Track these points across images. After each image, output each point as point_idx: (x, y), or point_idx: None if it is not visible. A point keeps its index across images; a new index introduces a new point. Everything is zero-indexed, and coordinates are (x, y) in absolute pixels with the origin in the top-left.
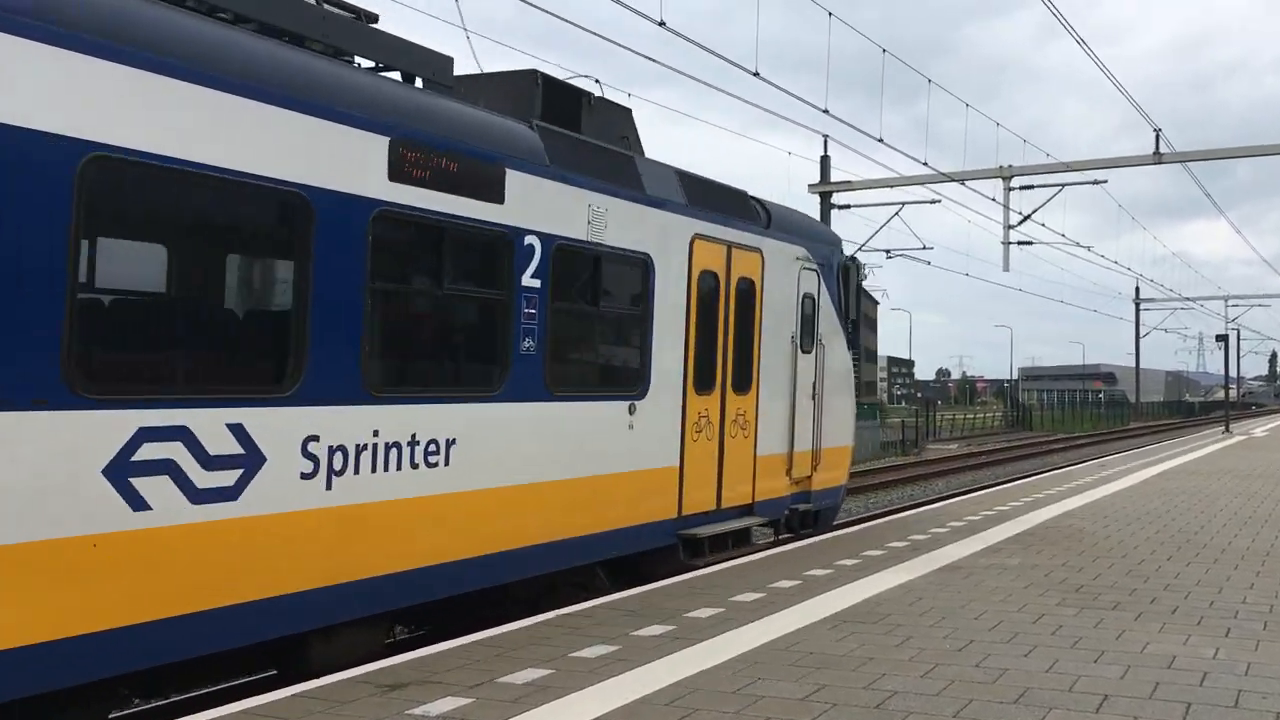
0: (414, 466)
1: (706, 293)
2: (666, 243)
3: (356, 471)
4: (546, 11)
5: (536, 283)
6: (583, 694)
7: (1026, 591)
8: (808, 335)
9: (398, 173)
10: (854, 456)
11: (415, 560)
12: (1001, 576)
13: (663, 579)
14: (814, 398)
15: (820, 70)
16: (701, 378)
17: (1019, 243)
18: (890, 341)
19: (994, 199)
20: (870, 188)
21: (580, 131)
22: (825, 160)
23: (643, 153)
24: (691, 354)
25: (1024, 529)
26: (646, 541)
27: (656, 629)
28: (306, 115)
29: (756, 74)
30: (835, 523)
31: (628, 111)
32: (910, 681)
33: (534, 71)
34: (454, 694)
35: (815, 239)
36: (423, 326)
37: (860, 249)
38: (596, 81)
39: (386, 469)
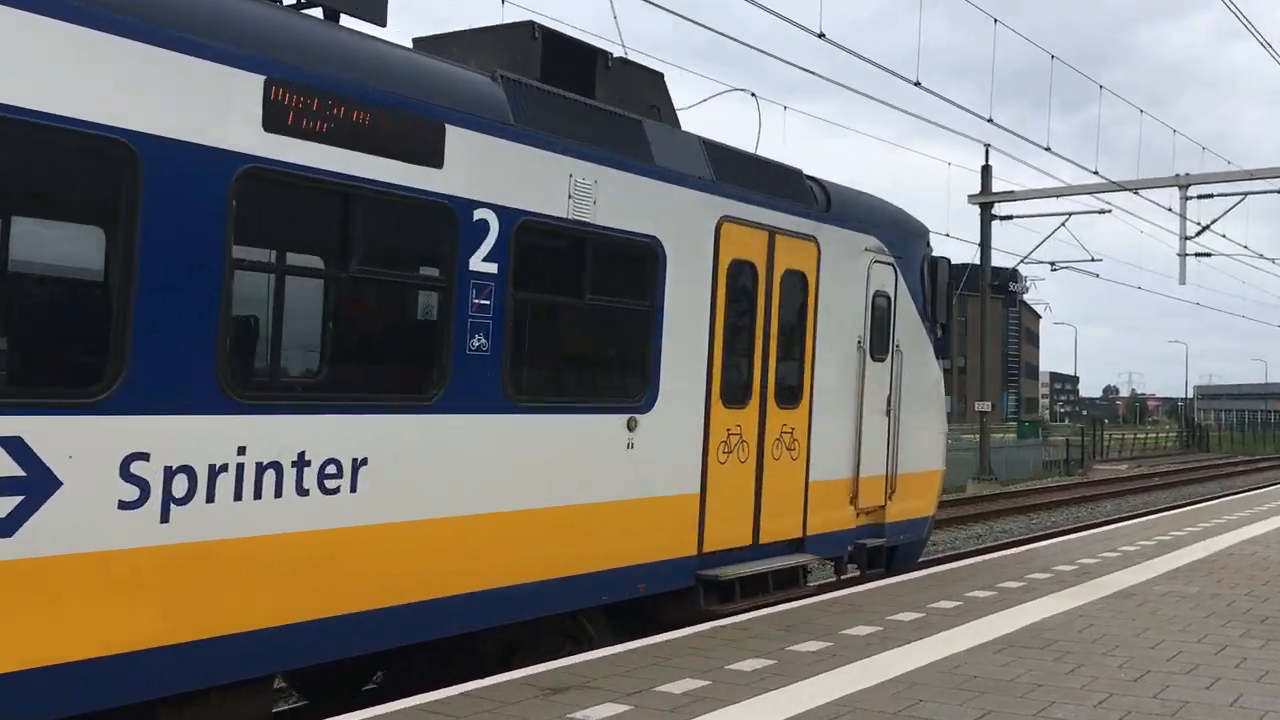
0: (301, 493)
1: (739, 287)
2: (683, 225)
3: (210, 500)
4: (704, 26)
5: (491, 267)
6: (740, 706)
7: (1207, 621)
8: (880, 340)
9: (277, 122)
10: (961, 480)
11: (300, 610)
12: (1180, 605)
13: (683, 626)
14: (888, 413)
15: (982, 78)
16: (731, 388)
17: (1196, 254)
18: (1053, 357)
19: (1169, 209)
20: (1034, 198)
21: (594, 96)
22: (987, 170)
23: (678, 125)
24: (718, 360)
25: (1203, 556)
26: (654, 583)
27: (813, 645)
28: (127, 39)
29: (918, 83)
30: (969, 549)
31: (658, 77)
32: (1082, 711)
33: (531, 24)
34: (613, 700)
35: (892, 228)
36: (316, 317)
37: (1023, 261)
38: (752, 95)
39: (258, 496)
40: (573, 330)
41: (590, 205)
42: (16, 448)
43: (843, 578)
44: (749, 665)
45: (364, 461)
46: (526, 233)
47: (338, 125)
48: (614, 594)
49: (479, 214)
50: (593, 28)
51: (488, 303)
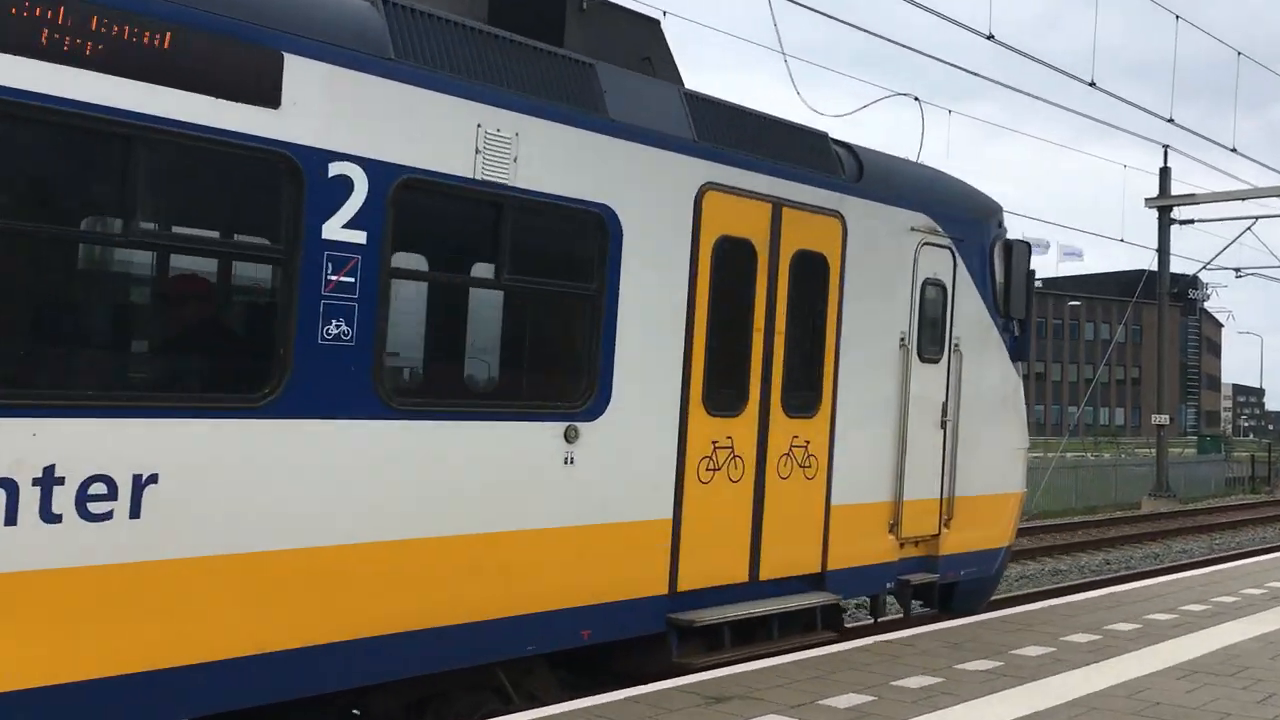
0: (50, 520)
1: (730, 269)
2: (648, 193)
3: None
4: (862, 29)
5: (356, 235)
6: None
7: None
8: (932, 338)
9: (8, 39)
10: (1136, 497)
11: (53, 670)
12: None
13: (651, 680)
14: (943, 424)
15: (1161, 76)
16: (719, 392)
17: None
18: (1237, 368)
19: None
20: (1217, 200)
21: (563, 44)
22: (1165, 172)
23: (680, 83)
24: (698, 358)
25: None
26: (606, 629)
27: (982, 663)
28: None
29: (1092, 84)
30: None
31: (654, 25)
32: None
33: None
34: (776, 711)
35: (949, 204)
36: (77, 291)
37: (1205, 267)
38: (915, 99)
39: None
40: (482, 318)
41: (508, 164)
42: None
43: (881, 619)
44: (914, 682)
45: (151, 480)
46: (411, 194)
47: (113, 47)
48: (546, 643)
49: (338, 168)
50: (751, 34)
51: (352, 280)
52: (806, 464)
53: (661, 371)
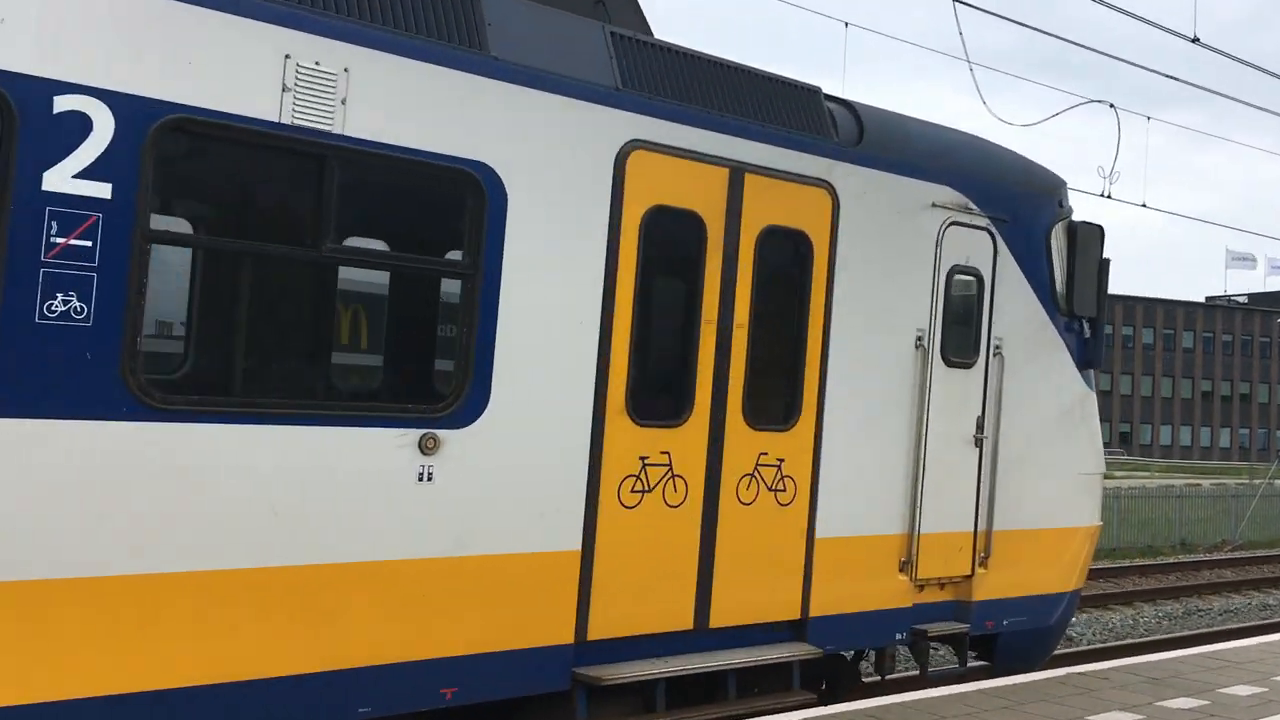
0: None
1: (666, 247)
2: (545, 150)
3: None
4: (1055, 36)
5: (95, 188)
6: None
7: None
8: (960, 336)
9: None
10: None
11: None
12: None
13: None
14: (978, 441)
15: None
16: (650, 396)
17: None
18: None
19: None
20: None
21: None
22: None
23: (649, 33)
24: (619, 353)
25: None
26: (479, 687)
27: (1185, 701)
28: None
29: None
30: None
31: None
32: None
33: None
34: None
35: (988, 177)
36: None
37: None
38: (1111, 106)
39: None
40: (293, 296)
41: (332, 106)
42: None
43: (888, 677)
44: (1112, 718)
45: None
46: (180, 139)
47: None
48: (389, 704)
49: (68, 103)
50: (934, 42)
51: (89, 244)
52: (780, 486)
53: (564, 370)
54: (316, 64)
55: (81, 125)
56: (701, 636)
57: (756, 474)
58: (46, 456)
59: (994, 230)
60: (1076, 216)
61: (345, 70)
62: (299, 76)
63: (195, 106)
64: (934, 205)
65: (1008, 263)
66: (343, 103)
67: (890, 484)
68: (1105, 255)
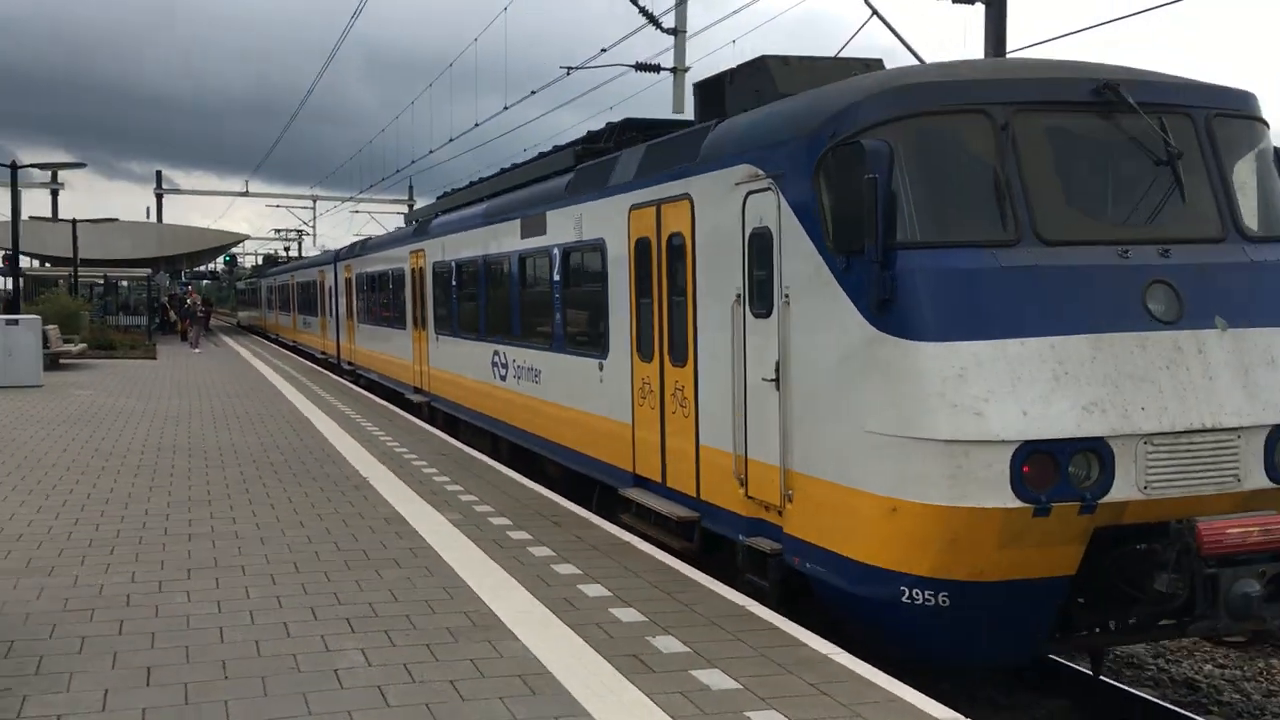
0: None
1: (643, 261)
2: None
3: None
4: None
5: None
6: None
7: None
8: (762, 289)
9: None
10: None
11: None
12: None
13: None
14: (777, 384)
15: None
16: (644, 346)
17: None
18: None
19: None
20: None
21: None
22: None
23: None
24: (633, 323)
25: None
26: (607, 476)
27: None
28: None
29: None
30: None
31: None
32: None
33: None
34: None
35: (767, 139)
36: None
37: None
38: None
39: None
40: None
41: None
42: None
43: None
44: None
45: None
46: None
47: None
48: (583, 467)
49: None
50: None
51: None
52: (683, 403)
53: (626, 337)
54: None
55: None
56: (660, 488)
57: (676, 394)
58: None
59: (776, 186)
60: None
61: None
62: None
63: None
64: (736, 185)
65: (787, 213)
66: None
67: (730, 413)
68: (875, 174)
